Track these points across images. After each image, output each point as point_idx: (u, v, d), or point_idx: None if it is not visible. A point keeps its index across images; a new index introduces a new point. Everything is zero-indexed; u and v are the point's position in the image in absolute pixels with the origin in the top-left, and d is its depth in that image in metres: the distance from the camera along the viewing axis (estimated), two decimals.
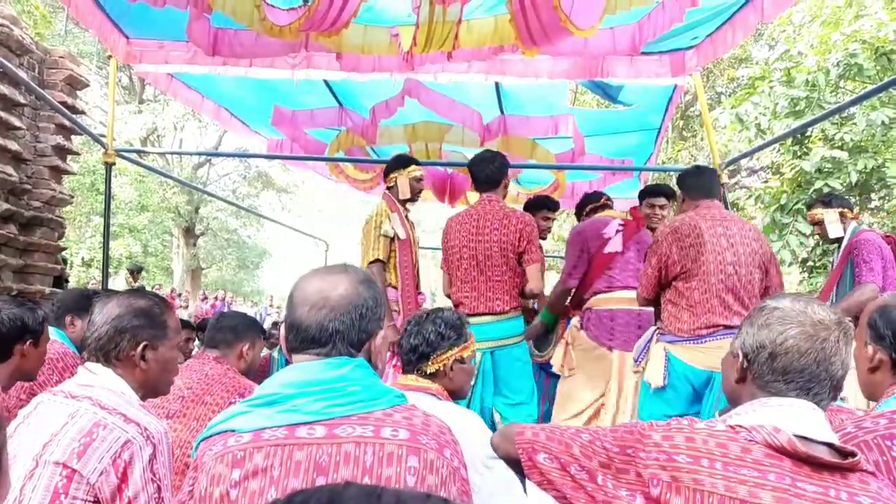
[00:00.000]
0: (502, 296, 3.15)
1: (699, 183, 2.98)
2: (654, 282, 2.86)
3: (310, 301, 1.13)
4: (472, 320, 3.16)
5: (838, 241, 3.60)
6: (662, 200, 3.80)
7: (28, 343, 1.91)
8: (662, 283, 2.85)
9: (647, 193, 3.88)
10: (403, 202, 3.73)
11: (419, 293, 3.73)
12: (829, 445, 1.06)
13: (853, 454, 1.04)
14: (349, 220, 32.17)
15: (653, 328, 3.00)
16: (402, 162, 3.78)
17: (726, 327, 2.67)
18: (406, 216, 3.73)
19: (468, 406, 3.21)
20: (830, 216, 3.56)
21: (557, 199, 4.58)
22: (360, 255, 3.70)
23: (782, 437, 1.02)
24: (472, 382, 3.17)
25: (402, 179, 3.68)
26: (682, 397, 2.74)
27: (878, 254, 3.31)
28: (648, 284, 2.89)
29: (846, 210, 3.59)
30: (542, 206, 4.24)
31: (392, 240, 3.60)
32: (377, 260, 3.52)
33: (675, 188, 3.20)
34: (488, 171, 3.28)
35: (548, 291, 3.75)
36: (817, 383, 1.10)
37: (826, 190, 7.96)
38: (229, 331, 2.43)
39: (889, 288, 3.25)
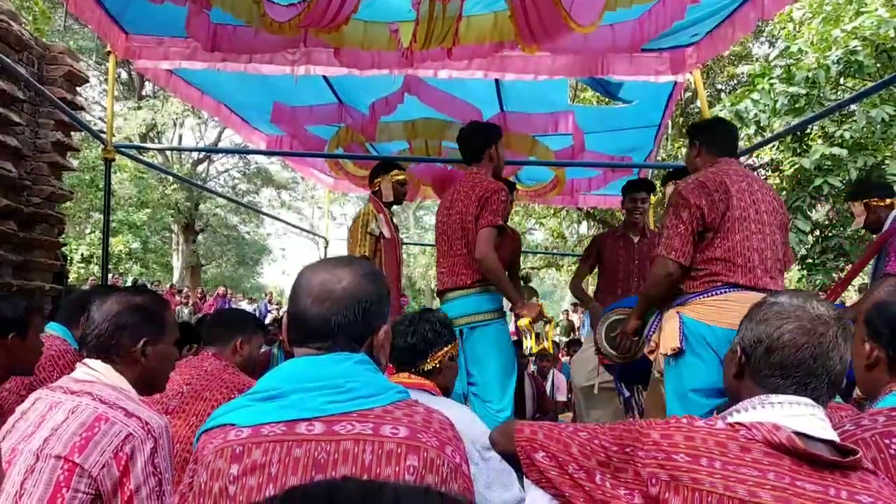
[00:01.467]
0: (466, 269, 2.98)
1: (724, 136, 2.71)
2: (690, 239, 2.48)
3: (313, 293, 1.12)
4: (442, 297, 3.08)
5: (880, 226, 3.42)
6: (643, 194, 4.02)
7: (11, 337, 1.91)
8: (696, 244, 2.51)
9: (630, 188, 4.08)
10: (388, 205, 3.81)
11: (403, 296, 3.77)
12: (830, 443, 1.05)
13: (854, 452, 1.03)
14: (349, 218, 32.20)
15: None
16: (386, 167, 3.87)
17: (745, 287, 2.40)
18: (391, 218, 3.79)
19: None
20: (856, 209, 3.55)
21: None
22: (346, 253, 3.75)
23: (782, 434, 1.02)
24: None
25: (386, 183, 3.77)
26: (709, 365, 2.36)
27: None
28: (684, 245, 2.48)
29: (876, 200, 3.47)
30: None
31: (378, 239, 3.65)
32: (363, 257, 3.55)
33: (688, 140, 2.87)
34: (467, 142, 3.17)
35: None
36: (814, 378, 1.09)
37: (826, 188, 7.98)
38: (222, 326, 2.46)
39: None
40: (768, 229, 2.50)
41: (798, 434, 1.03)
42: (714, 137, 2.71)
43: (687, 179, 2.60)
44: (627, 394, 3.36)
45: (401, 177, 3.83)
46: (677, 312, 2.51)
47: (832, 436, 1.06)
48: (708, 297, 2.44)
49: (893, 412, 1.30)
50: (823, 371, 1.09)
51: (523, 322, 3.01)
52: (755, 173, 2.86)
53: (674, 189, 2.61)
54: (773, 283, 2.45)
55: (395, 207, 4.06)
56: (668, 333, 2.50)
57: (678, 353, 2.46)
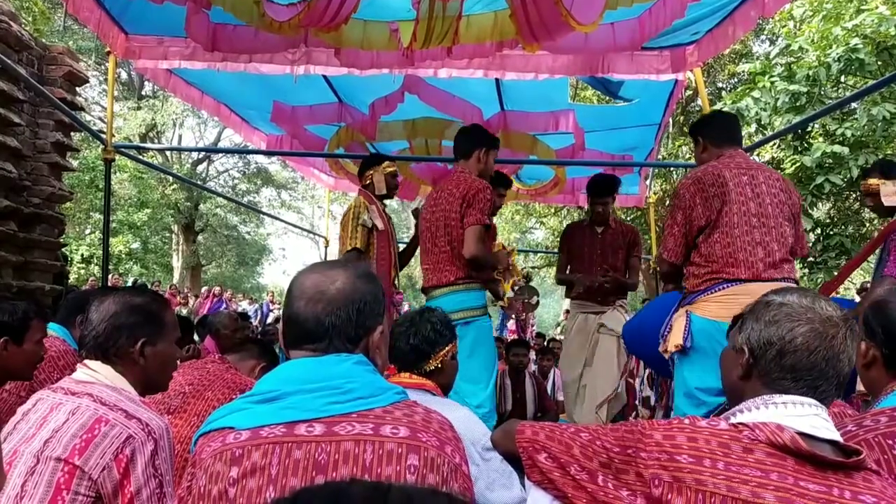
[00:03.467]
0: (450, 266, 3.01)
1: (723, 127, 2.73)
2: (682, 241, 2.57)
3: (307, 295, 1.12)
4: (428, 294, 3.11)
5: (892, 212, 3.27)
6: (607, 199, 4.13)
7: (4, 341, 1.89)
8: (690, 244, 2.57)
9: (593, 193, 4.18)
10: (381, 198, 3.79)
11: (398, 292, 3.75)
12: (834, 444, 1.05)
13: (858, 453, 1.02)
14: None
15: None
16: (376, 159, 3.87)
17: (749, 280, 2.39)
18: (383, 210, 3.77)
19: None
20: (888, 189, 3.20)
21: (510, 178, 4.62)
22: (338, 250, 3.73)
23: (786, 435, 1.01)
24: None
25: (378, 175, 3.75)
26: (710, 358, 2.33)
27: None
28: (676, 246, 2.58)
29: None
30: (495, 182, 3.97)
31: (371, 231, 3.63)
32: (355, 249, 3.54)
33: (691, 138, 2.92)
34: (460, 143, 3.24)
35: None
36: (825, 381, 1.09)
37: (827, 186, 7.97)
38: (257, 345, 2.57)
39: None
40: (773, 221, 2.47)
41: (801, 434, 1.02)
42: (713, 130, 2.74)
43: (688, 175, 2.62)
44: (648, 393, 3.39)
45: (391, 168, 3.82)
46: (686, 311, 2.52)
47: (836, 436, 1.05)
48: (712, 293, 2.45)
49: (895, 412, 1.30)
50: (833, 373, 1.09)
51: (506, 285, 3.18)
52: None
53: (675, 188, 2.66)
54: (779, 273, 2.43)
55: (394, 206, 4.05)
56: (675, 332, 2.52)
57: (685, 352, 2.47)
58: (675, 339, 2.48)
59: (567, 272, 4.25)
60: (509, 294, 3.34)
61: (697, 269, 2.53)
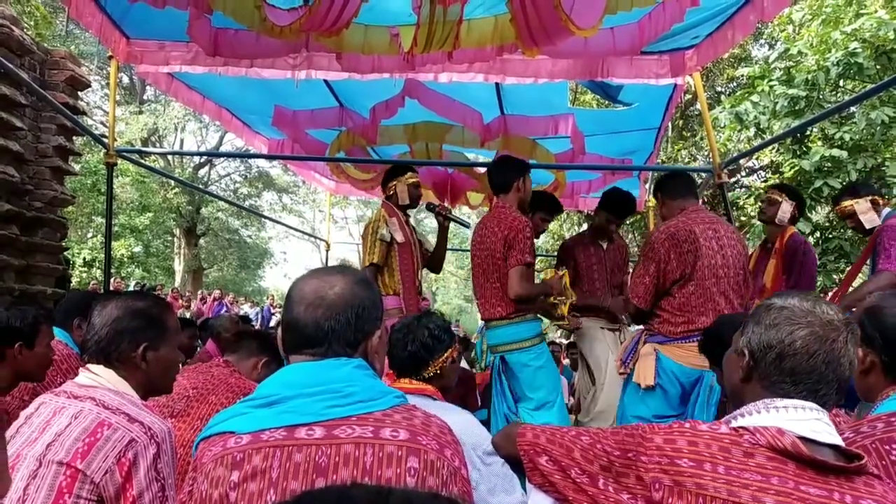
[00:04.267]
0: (500, 301, 3.15)
1: (683, 184, 3.04)
2: (652, 290, 2.83)
3: (306, 300, 1.13)
4: (487, 324, 3.26)
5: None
6: (622, 221, 4.14)
7: (18, 346, 1.91)
8: (659, 293, 2.84)
9: (617, 215, 4.02)
10: (403, 208, 3.80)
11: (423, 298, 3.76)
12: (835, 448, 1.04)
13: (859, 457, 1.02)
14: (350, 221, 32.22)
15: (636, 328, 3.03)
16: (400, 170, 3.88)
17: None
18: (406, 221, 3.77)
19: (489, 414, 3.28)
20: (862, 206, 3.34)
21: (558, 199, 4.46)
22: (359, 261, 3.76)
23: (786, 439, 1.01)
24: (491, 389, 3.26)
25: (401, 186, 3.76)
26: (669, 397, 2.76)
27: None
28: (646, 294, 2.84)
29: (877, 197, 3.37)
30: (539, 206, 3.99)
31: (391, 245, 3.63)
32: (372, 264, 3.57)
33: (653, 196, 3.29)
34: (496, 177, 3.33)
35: None
36: (825, 384, 1.08)
37: (826, 190, 7.98)
38: (254, 340, 2.52)
39: None
40: (733, 272, 2.76)
41: (802, 439, 1.02)
42: (677, 185, 3.04)
43: (659, 227, 2.88)
44: None
45: (414, 179, 3.83)
46: (654, 349, 2.79)
47: (837, 440, 1.05)
48: (686, 343, 2.73)
49: (892, 417, 1.29)
50: (834, 376, 1.08)
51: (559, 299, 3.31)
52: (720, 217, 3.15)
53: (648, 236, 2.94)
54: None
55: (416, 211, 4.06)
56: (645, 370, 2.78)
57: (650, 388, 2.77)
58: (648, 379, 2.76)
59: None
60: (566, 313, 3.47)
61: (673, 316, 2.79)
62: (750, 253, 3.60)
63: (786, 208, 3.58)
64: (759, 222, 3.58)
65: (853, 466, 1.00)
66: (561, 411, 3.15)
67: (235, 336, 2.58)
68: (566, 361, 7.54)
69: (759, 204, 3.60)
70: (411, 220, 3.88)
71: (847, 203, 3.41)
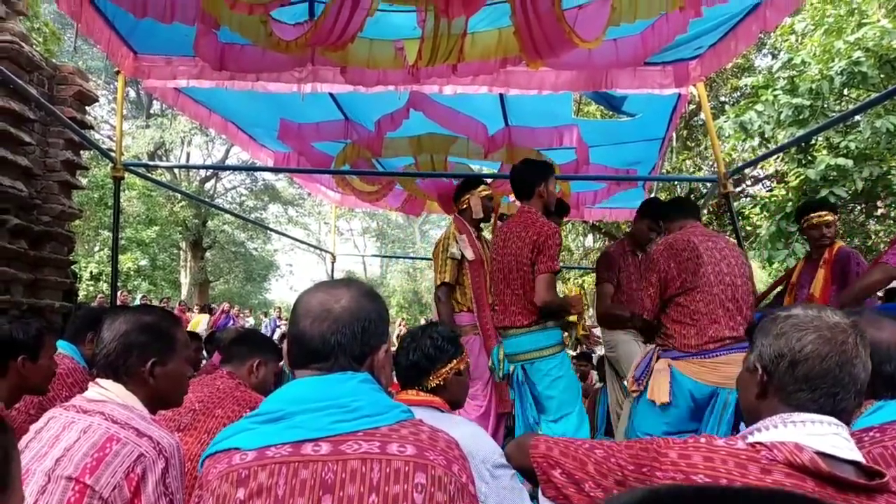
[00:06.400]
0: (522, 309, 3.04)
1: (680, 206, 3.13)
2: (657, 301, 2.88)
3: (312, 313, 1.13)
4: (502, 333, 3.17)
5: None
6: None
7: (22, 359, 1.92)
8: (663, 300, 2.87)
9: (655, 218, 4.00)
10: (477, 222, 3.77)
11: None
12: (855, 464, 1.01)
13: (881, 475, 0.99)
14: (356, 233, 32.26)
15: (651, 346, 2.99)
16: (472, 184, 3.83)
17: (733, 339, 2.68)
18: (478, 236, 3.74)
19: (514, 423, 3.22)
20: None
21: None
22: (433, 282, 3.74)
23: (805, 455, 0.98)
24: (512, 398, 3.21)
25: (475, 200, 3.72)
26: (682, 413, 2.74)
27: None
28: (652, 306, 2.90)
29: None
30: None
31: (462, 262, 3.60)
32: (444, 283, 3.54)
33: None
34: (518, 183, 3.22)
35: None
36: (842, 388, 1.06)
37: (832, 199, 7.96)
38: (242, 345, 2.47)
39: None
40: (740, 280, 2.78)
41: (821, 455, 1.00)
42: (671, 210, 3.11)
43: (658, 241, 2.95)
44: None
45: (487, 192, 3.79)
46: (668, 365, 2.76)
47: (858, 456, 1.02)
48: (703, 358, 2.71)
49: (866, 433, 1.27)
50: (850, 380, 1.06)
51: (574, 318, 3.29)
52: (721, 234, 3.20)
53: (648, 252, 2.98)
54: (734, 333, 2.72)
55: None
56: (659, 386, 2.75)
57: (665, 405, 2.74)
58: (661, 395, 2.72)
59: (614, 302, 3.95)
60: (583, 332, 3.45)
61: (684, 327, 2.77)
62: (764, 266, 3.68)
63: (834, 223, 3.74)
64: (822, 245, 3.67)
65: (875, 484, 0.98)
66: (581, 420, 3.07)
67: (226, 347, 2.55)
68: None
69: (823, 229, 3.66)
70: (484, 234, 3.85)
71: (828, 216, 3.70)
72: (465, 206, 3.77)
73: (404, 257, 27.50)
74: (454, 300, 3.68)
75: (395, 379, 2.01)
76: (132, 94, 19.89)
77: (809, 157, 8.45)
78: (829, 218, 3.68)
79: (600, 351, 5.95)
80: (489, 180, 4.30)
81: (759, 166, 10.76)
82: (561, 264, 3.62)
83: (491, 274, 3.24)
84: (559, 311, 3.10)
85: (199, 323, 11.59)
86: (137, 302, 13.29)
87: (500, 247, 3.14)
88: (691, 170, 11.82)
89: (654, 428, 2.75)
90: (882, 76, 7.68)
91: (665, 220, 3.13)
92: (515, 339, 3.07)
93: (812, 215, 3.67)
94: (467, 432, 1.66)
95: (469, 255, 3.60)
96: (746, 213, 10.03)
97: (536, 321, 3.04)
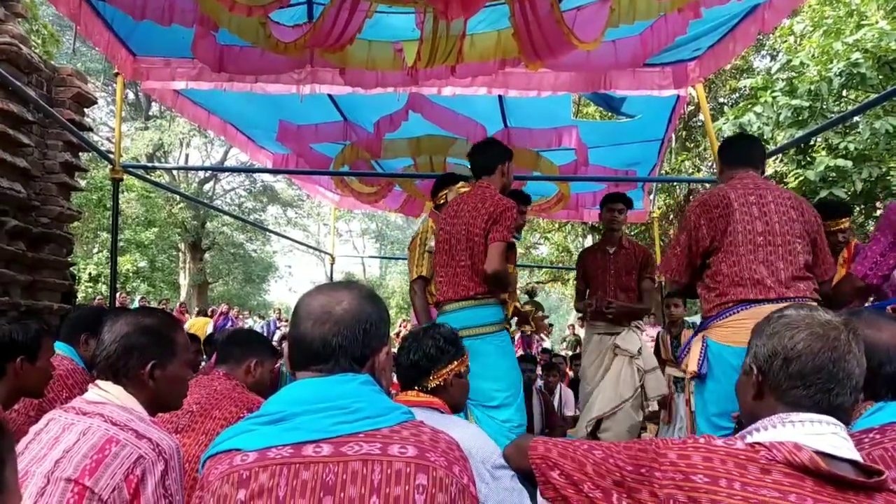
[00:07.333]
0: (467, 281, 2.89)
1: (735, 150, 2.80)
2: (685, 261, 2.64)
3: (313, 316, 1.13)
4: (441, 309, 3.01)
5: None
6: (620, 205, 4.09)
7: (20, 360, 1.92)
8: (695, 264, 2.63)
9: (607, 199, 4.15)
10: None
11: None
12: (854, 463, 1.02)
13: (879, 473, 1.00)
14: (355, 234, 32.26)
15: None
16: (451, 179, 3.79)
17: (756, 301, 2.41)
18: None
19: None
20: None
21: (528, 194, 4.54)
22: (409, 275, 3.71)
23: (804, 454, 0.99)
24: None
25: (452, 195, 3.68)
26: (725, 387, 2.34)
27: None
28: (679, 266, 2.66)
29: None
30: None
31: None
32: (420, 277, 3.53)
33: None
34: (480, 158, 3.11)
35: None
36: (836, 383, 1.07)
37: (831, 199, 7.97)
38: (237, 346, 2.46)
39: None
40: (781, 239, 2.47)
41: (820, 454, 1.00)
42: (726, 154, 2.82)
43: (696, 197, 2.72)
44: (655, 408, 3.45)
45: (466, 188, 3.77)
46: (703, 337, 2.55)
47: (856, 456, 1.03)
48: (724, 318, 2.47)
49: (866, 435, 1.27)
50: (844, 375, 1.07)
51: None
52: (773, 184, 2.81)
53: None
54: (792, 292, 2.42)
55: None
56: (692, 357, 2.55)
57: (701, 378, 2.51)
58: (692, 365, 2.51)
59: (585, 298, 4.22)
60: (525, 320, 3.39)
61: (708, 292, 2.56)
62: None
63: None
64: (840, 248, 3.66)
65: (873, 482, 0.98)
66: (519, 410, 2.91)
67: (218, 351, 2.53)
68: (572, 373, 7.50)
69: (839, 236, 3.63)
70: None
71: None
72: (442, 200, 3.76)
73: (403, 258, 27.43)
74: (428, 293, 3.67)
75: (395, 379, 2.01)
76: (131, 95, 19.89)
77: (809, 159, 8.46)
78: (846, 224, 3.68)
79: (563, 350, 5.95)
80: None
81: None
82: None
83: (437, 248, 3.10)
84: (504, 285, 2.96)
85: (204, 327, 11.53)
86: (136, 303, 13.27)
87: (451, 217, 3.00)
88: (690, 171, 11.83)
89: (707, 408, 2.51)
90: (881, 77, 7.69)
91: (722, 164, 2.83)
92: (457, 313, 2.88)
93: (829, 222, 3.48)
94: (467, 433, 1.66)
95: None
96: None
97: (482, 294, 2.89)
